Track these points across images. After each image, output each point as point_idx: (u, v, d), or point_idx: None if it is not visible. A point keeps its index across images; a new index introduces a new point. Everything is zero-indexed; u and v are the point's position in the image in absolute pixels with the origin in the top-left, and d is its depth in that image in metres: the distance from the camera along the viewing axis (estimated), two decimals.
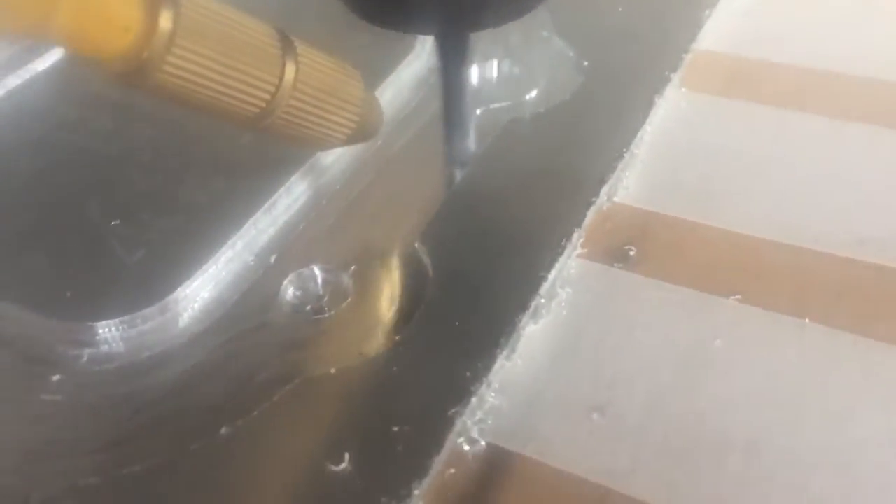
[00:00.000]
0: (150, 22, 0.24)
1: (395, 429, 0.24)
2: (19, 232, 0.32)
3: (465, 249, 0.30)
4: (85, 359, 0.28)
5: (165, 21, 0.24)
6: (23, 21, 0.22)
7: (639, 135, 0.35)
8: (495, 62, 0.39)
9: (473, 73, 0.39)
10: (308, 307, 0.29)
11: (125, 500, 0.23)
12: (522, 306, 0.28)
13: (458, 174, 0.33)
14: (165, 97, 0.26)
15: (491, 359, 0.26)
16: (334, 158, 0.35)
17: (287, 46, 0.27)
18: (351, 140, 0.31)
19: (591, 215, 0.31)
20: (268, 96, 0.27)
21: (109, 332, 0.28)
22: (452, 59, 0.31)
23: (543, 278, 0.29)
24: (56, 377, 0.27)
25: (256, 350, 0.28)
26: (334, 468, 0.24)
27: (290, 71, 0.27)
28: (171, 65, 0.24)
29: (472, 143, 0.34)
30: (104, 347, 0.28)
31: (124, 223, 0.32)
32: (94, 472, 0.24)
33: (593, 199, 0.32)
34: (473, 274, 0.29)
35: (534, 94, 0.38)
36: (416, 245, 0.30)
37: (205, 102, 0.26)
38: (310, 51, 0.28)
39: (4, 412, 0.26)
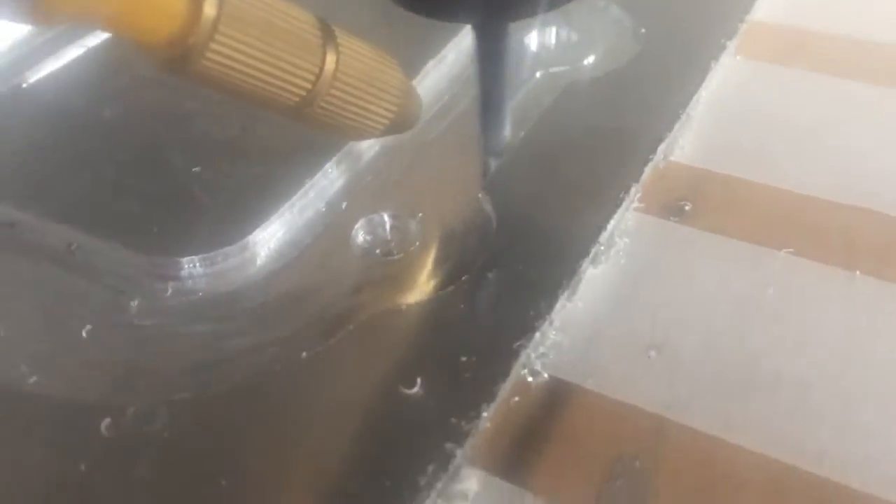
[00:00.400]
0: (195, 8, 0.24)
1: (464, 359, 0.26)
2: (111, 178, 0.34)
3: (527, 200, 0.32)
4: (170, 291, 0.30)
5: (210, 7, 0.24)
6: (72, 6, 0.23)
7: (695, 98, 0.36)
8: (554, 29, 0.41)
9: (532, 39, 0.40)
10: (377, 250, 0.31)
11: (214, 414, 0.25)
12: (583, 252, 0.29)
13: (493, 164, 0.33)
14: (208, 84, 0.26)
15: (553, 299, 0.28)
16: None
17: (328, 35, 0.27)
18: (389, 130, 0.31)
19: (648, 172, 0.33)
20: (309, 85, 0.27)
21: (193, 268, 0.30)
22: (490, 48, 0.30)
23: (602, 228, 0.30)
24: (145, 307, 0.29)
25: (330, 287, 0.30)
26: (407, 391, 0.25)
27: (330, 60, 0.27)
28: (214, 51, 0.24)
29: (508, 133, 0.33)
30: (188, 282, 0.30)
31: (205, 170, 0.34)
32: (184, 389, 0.26)
33: (650, 157, 0.33)
34: (535, 222, 0.31)
35: (591, 59, 0.39)
36: (480, 196, 0.32)
37: (246, 90, 0.26)
38: (350, 39, 0.28)
39: (101, 336, 0.28)
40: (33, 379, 0.27)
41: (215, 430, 0.25)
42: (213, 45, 0.24)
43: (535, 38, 0.41)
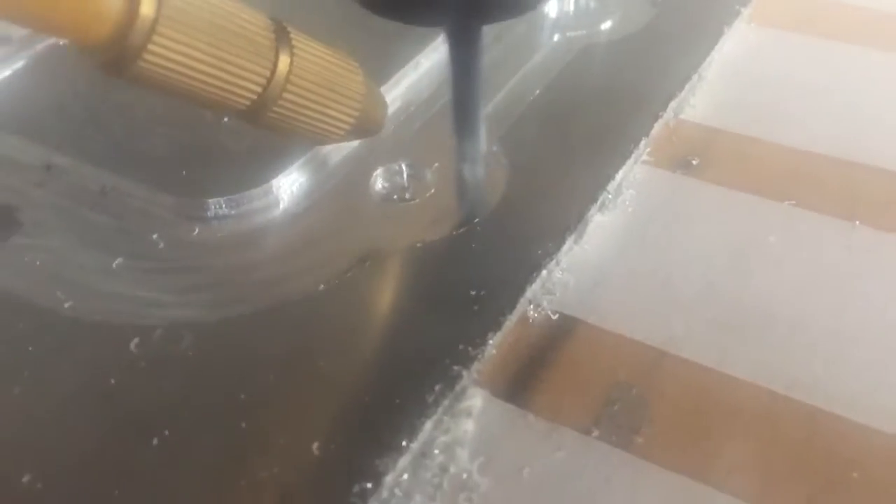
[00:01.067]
0: (131, 9, 0.23)
1: (473, 293, 0.27)
2: (143, 125, 0.35)
3: (539, 152, 0.33)
4: (196, 231, 0.32)
5: (147, 8, 0.23)
6: (3, 7, 0.22)
7: (707, 60, 0.37)
8: None
9: (552, 5, 0.42)
10: (395, 196, 0.33)
11: (236, 337, 0.27)
12: (591, 199, 0.30)
13: (468, 171, 0.32)
14: (150, 86, 0.25)
15: (560, 241, 0.29)
16: (425, 70, 0.37)
17: (282, 37, 0.26)
18: (352, 135, 0.30)
19: (658, 128, 0.34)
20: (259, 88, 0.26)
21: (219, 209, 0.32)
22: (463, 52, 0.30)
23: (611, 177, 0.31)
24: (172, 244, 0.31)
25: (349, 227, 0.31)
26: (419, 318, 0.27)
27: (283, 62, 0.26)
28: (152, 53, 0.24)
29: (482, 140, 0.32)
30: (213, 222, 0.32)
31: (233, 120, 0.35)
32: (208, 314, 0.28)
33: (661, 113, 0.34)
34: (546, 172, 0.32)
35: (608, 24, 0.40)
36: (494, 148, 0.33)
37: (191, 93, 0.25)
38: (307, 42, 0.27)
39: (131, 268, 0.30)
40: (68, 304, 0.28)
41: (236, 352, 0.26)
42: (152, 47, 0.23)
43: (555, 5, 0.42)
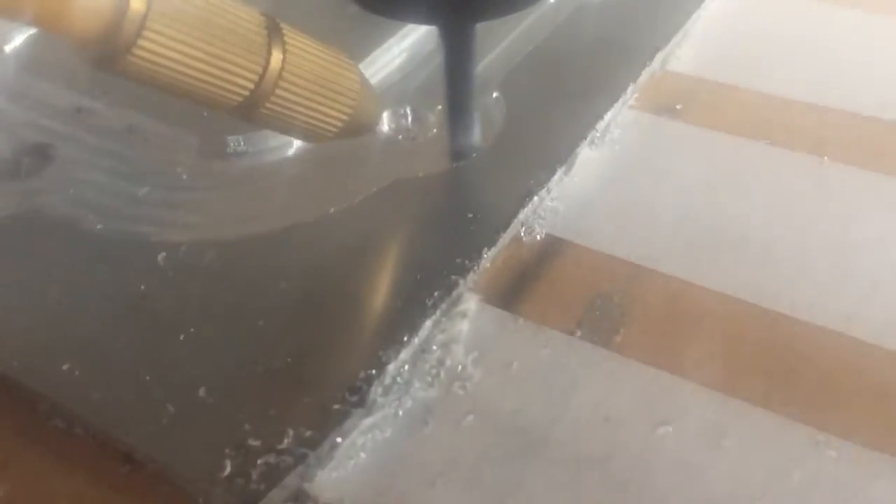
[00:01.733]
0: (120, 4, 0.23)
1: (470, 215, 0.30)
2: None
3: (535, 96, 0.35)
4: (216, 165, 0.34)
5: (137, 3, 0.23)
6: None
7: (693, 17, 0.39)
8: None
9: None
10: (399, 136, 0.35)
11: (254, 251, 0.29)
12: (581, 136, 0.33)
13: (461, 161, 0.33)
14: (142, 81, 0.25)
15: (551, 172, 0.31)
16: (428, 28, 0.40)
17: (274, 33, 0.26)
18: (345, 133, 0.30)
19: (645, 77, 0.36)
20: (251, 85, 0.26)
21: (238, 146, 0.34)
22: (456, 49, 0.30)
23: (600, 117, 0.34)
24: (195, 177, 0.34)
25: (357, 162, 0.34)
26: (421, 236, 0.29)
27: (276, 59, 0.26)
28: (143, 49, 0.24)
29: (476, 135, 0.32)
30: (232, 158, 0.34)
31: None
32: (229, 232, 0.30)
33: (648, 63, 0.36)
34: (541, 113, 0.34)
35: None
36: (495, 95, 0.36)
37: (182, 88, 0.25)
38: (300, 39, 0.27)
39: (156, 196, 0.33)
40: (99, 226, 0.31)
41: (255, 264, 0.29)
42: (142, 42, 0.23)
43: None
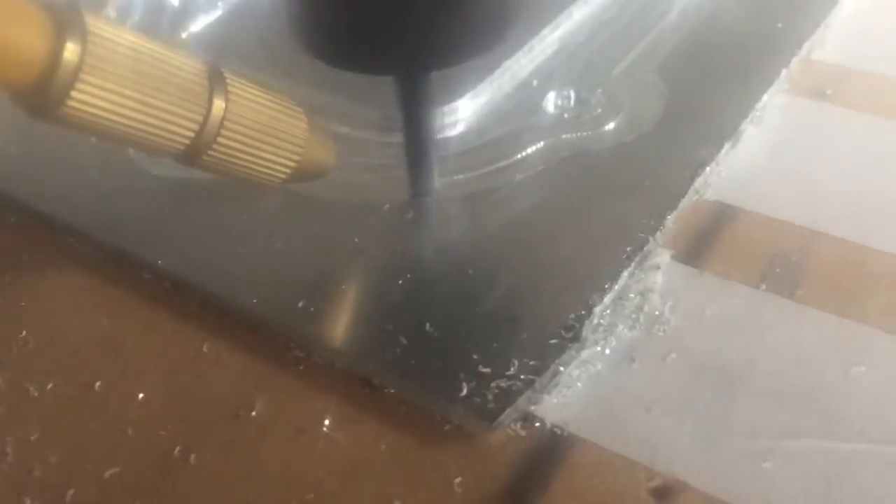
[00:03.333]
0: (54, 56, 0.23)
1: (648, 183, 0.33)
2: None
3: (694, 78, 0.38)
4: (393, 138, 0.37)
5: (71, 55, 0.23)
6: None
7: (836, 8, 0.42)
8: None
9: None
10: (565, 115, 0.38)
11: (452, 211, 0.32)
12: (742, 115, 0.35)
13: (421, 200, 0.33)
14: (76, 130, 0.25)
15: (719, 145, 0.34)
16: (577, 19, 0.43)
17: (217, 83, 0.27)
18: (297, 178, 0.30)
19: (795, 63, 0.39)
20: (191, 133, 0.26)
21: None
22: (413, 99, 0.31)
23: (758, 98, 0.36)
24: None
25: (529, 134, 0.36)
26: (607, 200, 0.32)
27: (218, 107, 0.26)
28: (75, 100, 0.24)
29: (435, 178, 0.33)
30: None
31: None
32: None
33: (797, 51, 0.39)
34: (702, 93, 0.37)
35: None
36: (651, 77, 0.38)
37: (118, 137, 0.26)
38: (245, 87, 0.28)
39: (352, 163, 0.36)
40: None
41: (455, 223, 0.32)
42: (75, 94, 0.24)
43: None
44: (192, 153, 0.27)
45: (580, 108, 0.38)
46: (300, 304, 0.29)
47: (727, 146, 0.34)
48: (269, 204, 0.34)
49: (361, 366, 0.27)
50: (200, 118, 0.26)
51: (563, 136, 0.36)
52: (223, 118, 0.27)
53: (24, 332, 0.30)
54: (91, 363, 0.28)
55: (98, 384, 0.28)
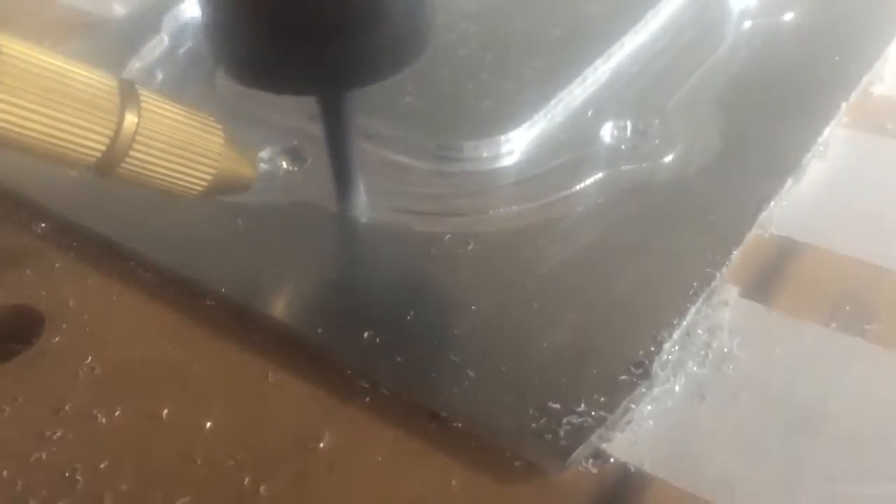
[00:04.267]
0: None
1: (712, 217, 0.32)
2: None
3: (752, 113, 0.38)
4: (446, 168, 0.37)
5: None
6: None
7: (894, 41, 0.41)
8: None
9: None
10: (622, 146, 0.38)
11: (512, 244, 0.32)
12: (804, 149, 0.35)
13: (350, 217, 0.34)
14: None
15: (782, 180, 0.34)
16: (629, 49, 0.43)
17: (129, 99, 0.28)
18: (215, 191, 0.31)
19: (855, 98, 0.38)
20: (102, 147, 0.27)
21: (474, 150, 0.37)
22: (335, 117, 0.31)
23: (819, 133, 0.36)
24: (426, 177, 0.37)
25: (583, 166, 0.36)
26: (668, 237, 0.32)
27: (129, 122, 0.27)
28: None
29: (361, 193, 0.34)
30: (467, 164, 0.37)
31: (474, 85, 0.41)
32: (486, 226, 0.33)
33: (856, 85, 0.39)
34: (762, 126, 0.37)
35: (790, 15, 0.45)
36: (706, 108, 0.38)
37: (31, 150, 0.26)
38: (158, 103, 0.29)
39: (412, 192, 0.36)
40: (364, 219, 0.34)
41: (515, 253, 0.32)
42: None
43: None
44: (105, 166, 0.28)
45: (637, 138, 0.38)
46: (365, 335, 0.29)
47: (790, 180, 0.34)
48: (331, 231, 0.34)
49: (429, 399, 0.27)
50: (111, 132, 0.27)
51: (623, 168, 0.36)
52: (135, 132, 0.28)
53: (89, 359, 0.30)
54: (157, 391, 0.28)
55: (165, 412, 0.28)
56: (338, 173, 0.33)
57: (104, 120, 0.27)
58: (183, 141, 0.29)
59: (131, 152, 0.28)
